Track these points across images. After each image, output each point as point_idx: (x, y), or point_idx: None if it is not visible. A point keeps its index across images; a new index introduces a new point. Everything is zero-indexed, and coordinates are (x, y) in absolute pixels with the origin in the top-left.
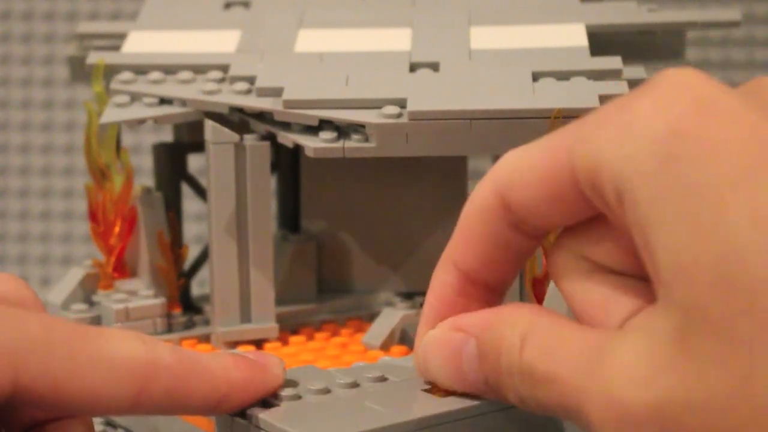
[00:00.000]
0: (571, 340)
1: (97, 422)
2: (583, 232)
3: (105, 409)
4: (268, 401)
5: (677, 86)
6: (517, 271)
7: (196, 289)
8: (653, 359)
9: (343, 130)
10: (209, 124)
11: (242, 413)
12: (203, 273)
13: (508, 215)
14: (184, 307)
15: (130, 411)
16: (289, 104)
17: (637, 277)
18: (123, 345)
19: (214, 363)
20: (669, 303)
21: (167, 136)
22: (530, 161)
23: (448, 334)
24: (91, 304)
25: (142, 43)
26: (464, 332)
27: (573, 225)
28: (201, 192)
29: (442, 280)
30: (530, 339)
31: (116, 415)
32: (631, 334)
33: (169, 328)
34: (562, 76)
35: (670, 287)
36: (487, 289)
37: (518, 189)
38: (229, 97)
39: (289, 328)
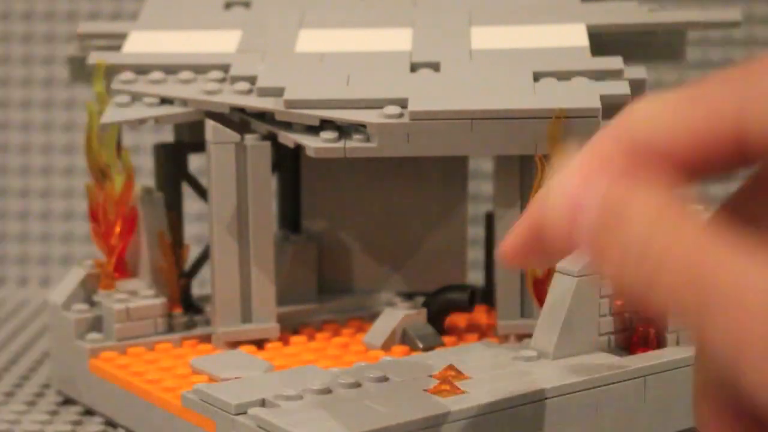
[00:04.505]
0: None
1: (97, 422)
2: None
3: None
4: (269, 401)
5: None
6: None
7: (197, 289)
8: None
9: (344, 130)
10: (210, 124)
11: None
12: (204, 273)
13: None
14: (185, 307)
15: None
16: (290, 104)
17: None
18: None
19: None
20: None
21: (168, 136)
22: (673, 114)
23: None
24: (92, 304)
25: (143, 43)
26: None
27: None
28: (202, 192)
29: None
30: None
31: None
32: None
33: (170, 328)
34: (563, 76)
35: None
36: None
37: (658, 138)
38: (230, 97)
39: (290, 328)
